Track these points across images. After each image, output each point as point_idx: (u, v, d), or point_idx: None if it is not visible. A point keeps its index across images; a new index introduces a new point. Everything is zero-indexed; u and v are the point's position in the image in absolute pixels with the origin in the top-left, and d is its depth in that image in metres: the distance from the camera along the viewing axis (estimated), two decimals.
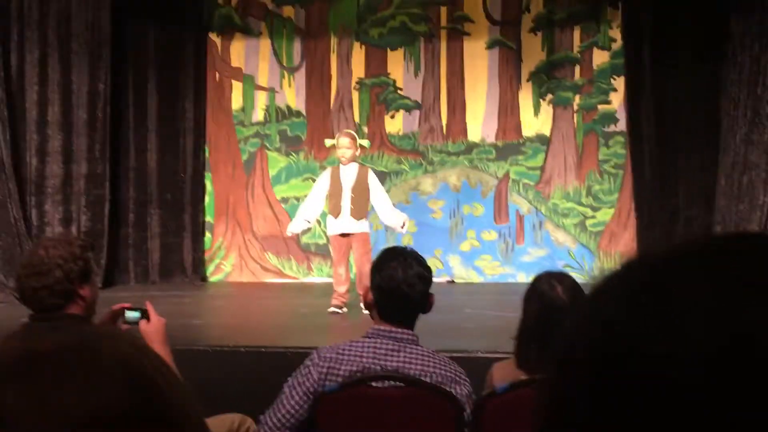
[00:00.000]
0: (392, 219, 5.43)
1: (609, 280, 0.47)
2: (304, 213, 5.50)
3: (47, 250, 2.13)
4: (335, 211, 5.30)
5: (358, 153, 5.45)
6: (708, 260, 0.44)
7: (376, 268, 2.15)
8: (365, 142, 5.68)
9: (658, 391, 0.41)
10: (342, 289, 5.30)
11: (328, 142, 5.71)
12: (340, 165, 5.38)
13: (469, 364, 2.51)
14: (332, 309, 5.25)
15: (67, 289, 2.12)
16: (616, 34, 7.18)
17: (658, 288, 0.44)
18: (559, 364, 0.47)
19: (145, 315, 2.25)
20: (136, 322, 2.25)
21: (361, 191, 5.30)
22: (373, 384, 1.98)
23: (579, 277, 2.22)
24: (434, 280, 2.24)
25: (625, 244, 7.14)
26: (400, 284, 2.07)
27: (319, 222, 6.30)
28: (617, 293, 0.46)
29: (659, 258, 0.46)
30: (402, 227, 5.43)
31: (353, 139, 5.39)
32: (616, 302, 0.45)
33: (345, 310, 5.27)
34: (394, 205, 5.68)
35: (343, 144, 5.32)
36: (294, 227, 5.57)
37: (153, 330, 2.22)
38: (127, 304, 2.31)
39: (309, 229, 5.59)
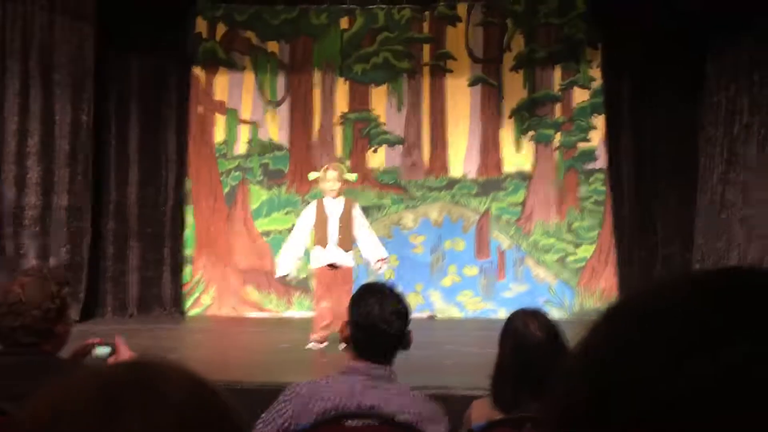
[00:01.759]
0: (372, 253, 5.40)
1: (595, 331, 0.48)
2: (291, 251, 5.45)
3: (24, 288, 2.09)
4: (322, 242, 5.28)
5: (344, 186, 5.45)
6: (691, 303, 0.46)
7: (354, 304, 2.13)
8: (352, 176, 5.70)
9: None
10: (325, 324, 5.24)
11: (312, 175, 5.71)
12: (326, 198, 5.37)
13: (448, 402, 2.48)
14: (311, 345, 5.19)
15: (44, 328, 2.08)
16: (596, 73, 7.31)
17: (645, 336, 0.45)
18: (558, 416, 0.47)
19: (115, 350, 2.21)
20: (105, 358, 2.21)
21: (347, 222, 5.30)
22: (348, 422, 1.95)
23: (559, 313, 2.22)
24: (415, 315, 2.22)
25: (605, 281, 7.17)
26: (376, 321, 2.05)
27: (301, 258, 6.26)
28: (604, 346, 0.47)
29: (642, 303, 0.48)
30: (378, 267, 5.38)
31: (340, 172, 5.41)
32: (605, 356, 0.46)
33: (325, 344, 5.22)
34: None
35: (330, 177, 5.33)
36: (284, 268, 5.49)
37: None
38: (97, 339, 2.27)
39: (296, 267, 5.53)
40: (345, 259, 5.28)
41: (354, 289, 5.51)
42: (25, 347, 2.08)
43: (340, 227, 5.25)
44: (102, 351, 2.22)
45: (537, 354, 1.97)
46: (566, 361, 0.49)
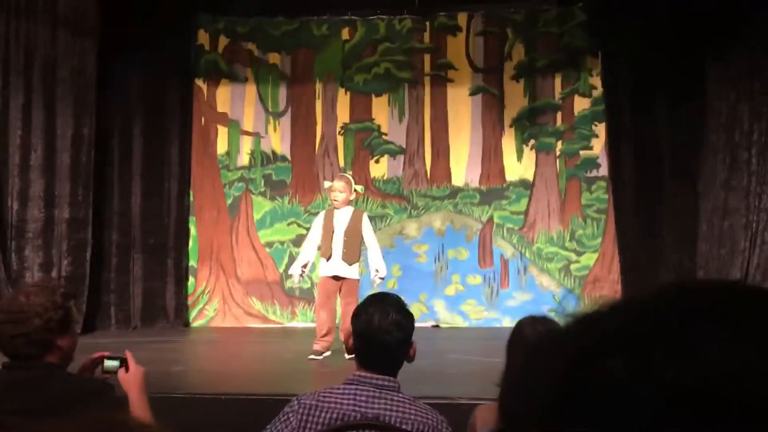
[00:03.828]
0: (374, 264, 5.39)
1: (586, 323, 0.47)
2: (302, 256, 5.44)
3: (29, 297, 2.08)
4: (326, 254, 5.28)
5: (352, 197, 5.45)
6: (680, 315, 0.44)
7: (356, 314, 2.14)
8: (359, 188, 5.71)
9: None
10: (324, 334, 5.24)
11: (327, 184, 5.72)
12: (334, 208, 5.38)
13: (452, 412, 2.48)
14: (312, 356, 5.18)
15: (45, 339, 2.06)
16: (596, 81, 7.32)
17: (635, 337, 0.44)
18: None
19: (124, 364, 2.21)
20: (114, 372, 2.21)
21: (353, 235, 5.28)
22: None
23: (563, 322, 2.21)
24: (419, 324, 2.21)
25: (609, 289, 7.16)
26: (375, 331, 2.05)
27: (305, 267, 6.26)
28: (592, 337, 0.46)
29: (634, 307, 0.47)
30: (375, 281, 5.36)
31: (348, 183, 5.40)
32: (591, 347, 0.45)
33: (328, 354, 5.21)
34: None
35: (337, 187, 5.33)
36: (294, 270, 5.50)
37: (131, 379, 2.19)
38: (106, 353, 2.27)
39: (304, 274, 5.52)
40: (349, 272, 5.26)
41: (359, 301, 5.51)
42: (27, 359, 2.06)
43: (345, 240, 5.24)
44: (111, 364, 2.22)
45: None
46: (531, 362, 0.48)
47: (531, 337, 2.06)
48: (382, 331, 2.04)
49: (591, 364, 0.42)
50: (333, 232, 5.27)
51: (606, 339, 0.43)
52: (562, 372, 0.43)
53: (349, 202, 5.38)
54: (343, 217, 5.31)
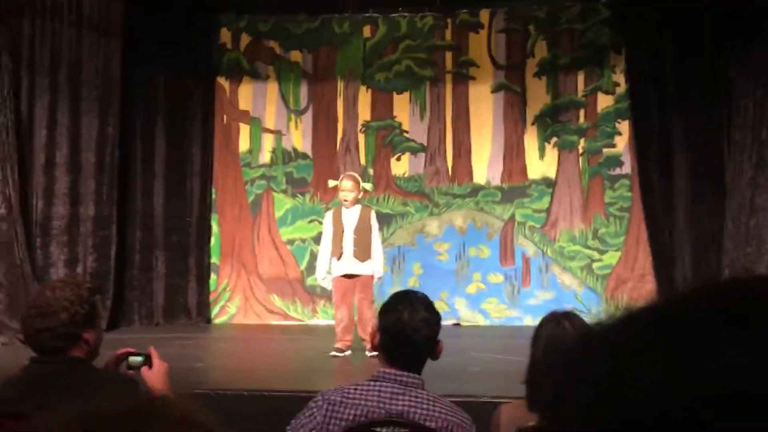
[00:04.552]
0: (374, 265, 5.31)
1: (615, 327, 0.47)
2: (323, 260, 5.43)
3: (54, 291, 2.12)
4: (337, 253, 5.28)
5: (360, 196, 5.44)
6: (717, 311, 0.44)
7: (384, 311, 2.14)
8: (368, 186, 5.69)
9: None
10: (343, 332, 5.24)
11: (331, 183, 5.73)
12: (342, 207, 5.38)
13: (474, 410, 2.46)
14: (333, 353, 5.19)
15: (71, 333, 2.09)
16: (619, 78, 7.25)
17: (664, 339, 0.44)
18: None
19: (148, 360, 2.24)
20: (138, 367, 2.24)
21: (364, 232, 5.27)
22: (378, 429, 1.94)
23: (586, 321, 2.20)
24: (441, 323, 2.22)
25: (632, 287, 7.09)
26: (405, 328, 2.06)
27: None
28: (622, 341, 0.46)
29: (665, 307, 0.47)
30: (375, 275, 5.34)
31: (356, 182, 5.38)
32: (620, 350, 0.45)
33: (348, 353, 5.22)
34: (399, 246, 5.65)
35: (345, 186, 5.31)
36: (320, 275, 5.50)
37: (155, 375, 2.21)
38: (131, 349, 2.30)
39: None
40: (362, 269, 5.25)
41: (375, 296, 5.51)
42: (53, 353, 2.09)
43: (355, 238, 5.22)
44: (136, 360, 2.25)
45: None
46: (569, 361, 0.48)
47: (555, 332, 2.05)
48: (411, 328, 2.05)
49: (631, 366, 0.43)
50: (343, 231, 5.26)
51: (646, 340, 0.44)
52: (603, 373, 0.44)
53: (357, 201, 5.36)
54: (351, 215, 5.30)
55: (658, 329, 0.44)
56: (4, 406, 1.97)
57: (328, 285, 5.55)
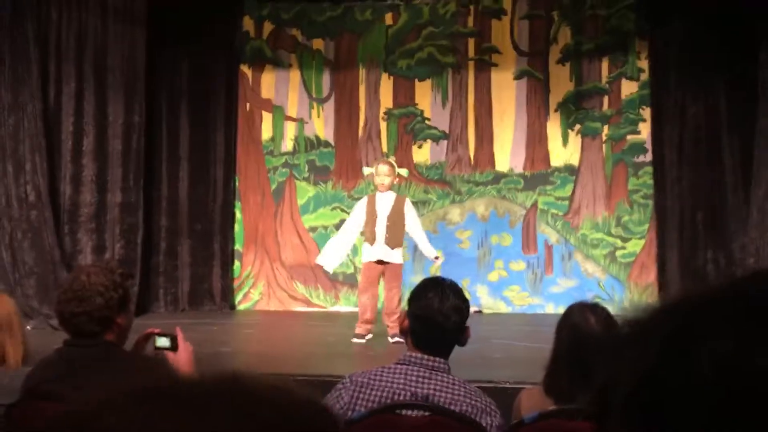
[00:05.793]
0: (428, 249, 5.54)
1: (643, 326, 0.49)
2: (336, 248, 5.52)
3: (89, 276, 2.17)
4: (371, 239, 5.34)
5: (396, 181, 5.52)
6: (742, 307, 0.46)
7: (414, 297, 2.18)
8: (404, 171, 5.77)
9: None
10: (367, 317, 5.30)
11: (366, 170, 5.79)
12: (377, 193, 5.43)
13: (497, 395, 2.49)
14: (355, 339, 5.25)
15: (106, 317, 2.15)
16: (644, 64, 7.18)
17: (690, 336, 0.45)
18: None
19: (174, 341, 2.29)
20: (164, 349, 2.29)
21: (397, 219, 5.34)
22: (402, 412, 1.98)
23: (609, 309, 2.22)
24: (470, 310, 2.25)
25: (655, 276, 7.05)
26: (435, 314, 2.09)
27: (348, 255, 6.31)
28: (652, 339, 0.47)
29: (693, 304, 0.48)
30: (435, 257, 5.58)
31: (392, 167, 5.46)
32: (651, 347, 0.47)
33: (369, 337, 5.27)
34: None
35: (382, 171, 5.39)
36: (326, 263, 5.58)
37: (181, 357, 2.26)
38: (157, 329, 2.35)
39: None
40: (393, 257, 5.32)
41: (402, 285, 5.57)
42: (88, 336, 2.15)
43: (388, 225, 5.30)
44: (162, 341, 2.31)
45: (594, 348, 1.98)
46: (612, 351, 0.49)
47: (580, 324, 2.08)
48: (441, 314, 2.09)
49: (687, 350, 0.44)
50: (376, 217, 5.31)
51: (699, 325, 0.45)
52: (654, 358, 0.45)
53: (392, 186, 5.43)
54: (386, 202, 5.36)
55: (732, 307, 0.45)
56: (42, 386, 2.03)
57: (329, 268, 5.62)
